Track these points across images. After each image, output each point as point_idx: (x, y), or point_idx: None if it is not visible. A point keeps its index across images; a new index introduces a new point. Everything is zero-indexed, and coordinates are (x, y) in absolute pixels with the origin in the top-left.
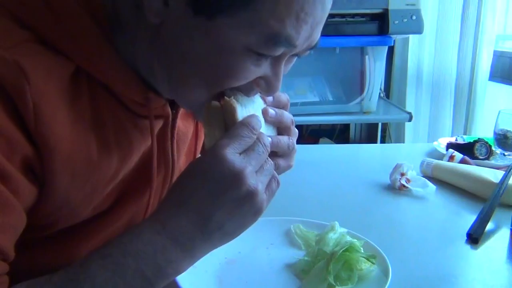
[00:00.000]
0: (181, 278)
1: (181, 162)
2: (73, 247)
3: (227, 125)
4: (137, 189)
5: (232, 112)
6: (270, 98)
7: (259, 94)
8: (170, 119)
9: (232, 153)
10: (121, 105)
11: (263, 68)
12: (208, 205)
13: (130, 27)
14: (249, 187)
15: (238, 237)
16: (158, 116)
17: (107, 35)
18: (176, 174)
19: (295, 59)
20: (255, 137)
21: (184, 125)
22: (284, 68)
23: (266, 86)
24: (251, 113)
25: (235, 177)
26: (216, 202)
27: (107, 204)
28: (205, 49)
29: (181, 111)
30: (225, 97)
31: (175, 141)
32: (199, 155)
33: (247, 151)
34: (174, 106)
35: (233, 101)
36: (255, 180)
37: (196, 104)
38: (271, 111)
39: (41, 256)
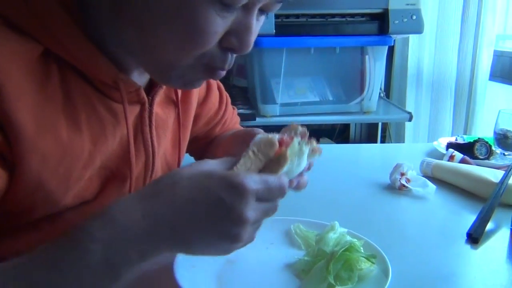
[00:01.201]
0: (181, 278)
1: (166, 150)
2: (57, 235)
3: (268, 166)
4: (119, 176)
5: (282, 164)
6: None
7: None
8: (147, 105)
9: (253, 197)
10: (93, 88)
11: (231, 21)
12: (195, 222)
13: (93, 2)
14: (239, 234)
15: None
16: (134, 101)
17: (74, 17)
18: (158, 160)
19: (264, 17)
20: (278, 198)
21: (164, 112)
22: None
23: (238, 42)
24: (294, 168)
25: (239, 219)
26: (204, 224)
27: (91, 192)
28: (170, 4)
29: (159, 98)
30: (286, 148)
31: (153, 127)
32: (220, 170)
33: (262, 203)
34: (150, 92)
35: (289, 155)
36: (247, 231)
37: (172, 70)
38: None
39: (29, 247)
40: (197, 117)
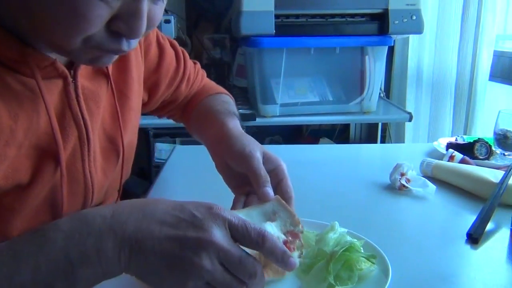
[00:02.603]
0: None
1: (104, 123)
2: (1, 222)
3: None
4: (51, 155)
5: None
6: None
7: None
8: (70, 78)
9: (225, 223)
10: (3, 66)
11: (118, 5)
12: (161, 227)
13: None
14: (200, 254)
15: None
16: (53, 76)
17: None
18: (93, 133)
19: (162, 3)
20: (255, 243)
21: (93, 84)
22: (152, 11)
23: (126, 28)
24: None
25: (204, 235)
26: (169, 232)
27: (24, 174)
28: None
29: (85, 70)
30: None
31: (81, 100)
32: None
33: (235, 241)
34: (72, 66)
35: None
36: (209, 255)
37: (68, 51)
38: None
39: None
40: (157, 83)
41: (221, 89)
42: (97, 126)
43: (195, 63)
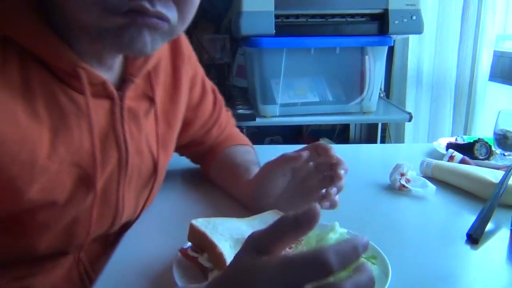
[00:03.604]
0: (178, 276)
1: (151, 147)
2: (30, 237)
3: None
4: (89, 177)
5: None
6: None
7: None
8: (118, 100)
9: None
10: (55, 78)
11: None
12: None
13: None
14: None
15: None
16: (101, 95)
17: (32, 4)
18: (132, 156)
19: None
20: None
21: (136, 105)
22: None
23: None
24: None
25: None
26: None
27: (61, 191)
28: None
29: (133, 93)
30: None
31: (125, 122)
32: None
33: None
34: (120, 87)
35: None
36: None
37: (96, 28)
38: None
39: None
40: (193, 120)
41: (242, 139)
42: (137, 149)
43: (227, 110)
